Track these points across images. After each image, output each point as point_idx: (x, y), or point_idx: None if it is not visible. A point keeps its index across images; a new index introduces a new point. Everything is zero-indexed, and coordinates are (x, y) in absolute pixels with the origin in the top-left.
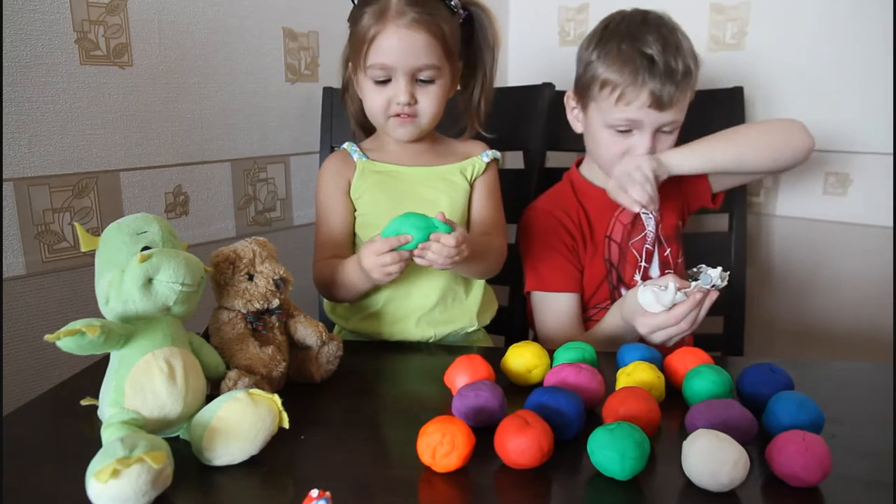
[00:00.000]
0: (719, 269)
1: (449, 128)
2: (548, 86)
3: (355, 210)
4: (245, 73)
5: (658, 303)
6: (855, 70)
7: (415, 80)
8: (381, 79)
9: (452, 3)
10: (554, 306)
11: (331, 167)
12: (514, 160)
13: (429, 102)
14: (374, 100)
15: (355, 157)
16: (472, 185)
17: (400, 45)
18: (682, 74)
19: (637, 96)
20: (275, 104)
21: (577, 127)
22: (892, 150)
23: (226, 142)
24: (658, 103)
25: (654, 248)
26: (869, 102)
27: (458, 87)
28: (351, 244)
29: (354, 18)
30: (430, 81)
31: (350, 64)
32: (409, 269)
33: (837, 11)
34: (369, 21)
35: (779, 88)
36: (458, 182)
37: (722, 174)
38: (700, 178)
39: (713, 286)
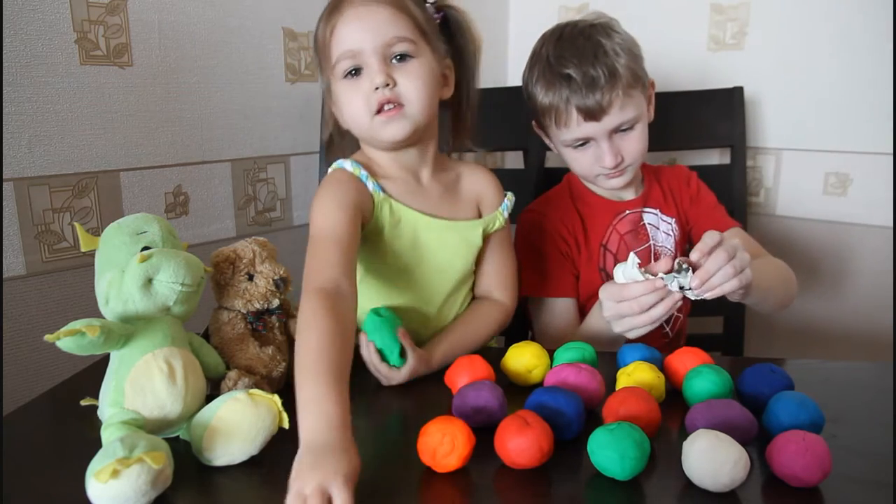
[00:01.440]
0: (689, 273)
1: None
2: None
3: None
4: (245, 73)
5: (623, 276)
6: (855, 70)
7: (388, 60)
8: (352, 68)
9: None
10: (551, 310)
11: (340, 193)
12: (515, 160)
13: (410, 83)
14: (352, 101)
15: (370, 186)
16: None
17: (361, 24)
18: (606, 79)
19: (570, 115)
20: (275, 104)
21: (555, 150)
22: (892, 150)
23: (226, 142)
24: (590, 115)
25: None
26: (869, 102)
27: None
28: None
29: (315, 35)
30: (405, 57)
31: (324, 87)
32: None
33: (837, 11)
34: (325, 20)
35: (779, 88)
36: (474, 241)
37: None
38: (710, 218)
39: (680, 287)
